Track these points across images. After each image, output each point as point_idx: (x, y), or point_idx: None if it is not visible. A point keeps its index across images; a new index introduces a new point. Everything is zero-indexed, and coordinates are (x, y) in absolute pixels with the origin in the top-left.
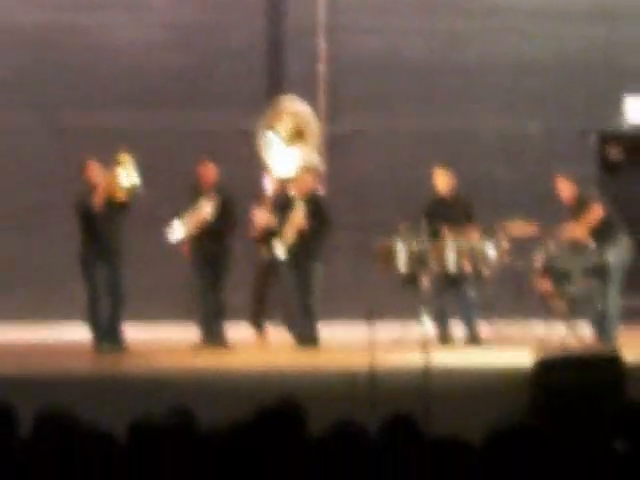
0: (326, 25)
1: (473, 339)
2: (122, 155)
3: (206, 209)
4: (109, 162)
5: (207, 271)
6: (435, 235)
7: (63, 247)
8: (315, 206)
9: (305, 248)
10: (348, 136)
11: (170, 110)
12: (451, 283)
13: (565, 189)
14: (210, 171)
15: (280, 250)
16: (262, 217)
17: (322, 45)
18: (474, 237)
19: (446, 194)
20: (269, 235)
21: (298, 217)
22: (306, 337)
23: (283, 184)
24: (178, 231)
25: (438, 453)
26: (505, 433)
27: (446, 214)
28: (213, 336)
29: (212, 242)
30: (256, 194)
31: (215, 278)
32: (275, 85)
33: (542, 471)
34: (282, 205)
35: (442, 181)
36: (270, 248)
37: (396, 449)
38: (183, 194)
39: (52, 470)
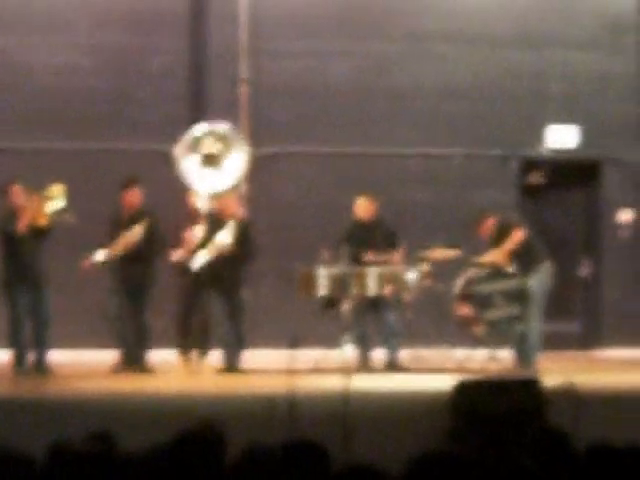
0: (248, 49)
1: (393, 364)
2: (54, 188)
3: (137, 232)
4: (31, 184)
5: (130, 294)
6: (356, 260)
7: None
8: (243, 231)
9: (232, 274)
10: (270, 159)
11: (92, 132)
12: (372, 308)
13: (484, 229)
14: (135, 196)
15: (198, 261)
16: (198, 233)
17: (244, 68)
18: (395, 262)
19: (367, 219)
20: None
21: (224, 238)
22: (232, 363)
23: (211, 203)
24: (100, 254)
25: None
26: (425, 460)
27: (367, 239)
28: (134, 359)
29: (138, 266)
30: (189, 213)
31: (138, 301)
32: (197, 108)
33: None
34: (212, 224)
35: (363, 210)
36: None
37: (303, 476)
38: (104, 217)
39: None
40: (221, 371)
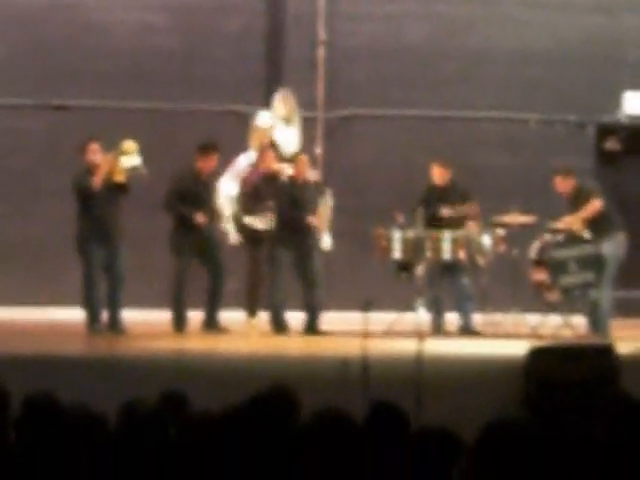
0: (326, 11)
1: (466, 329)
2: (127, 143)
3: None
4: (106, 141)
5: (201, 256)
6: (431, 224)
7: (59, 229)
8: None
9: (308, 237)
10: (346, 121)
11: (166, 91)
12: (446, 272)
13: (562, 185)
14: (213, 162)
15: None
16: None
17: (321, 31)
18: (471, 215)
19: (442, 184)
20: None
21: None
22: (310, 326)
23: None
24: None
25: (425, 444)
26: (496, 426)
27: (442, 202)
28: (210, 321)
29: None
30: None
31: (211, 263)
32: (274, 70)
33: (534, 468)
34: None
35: (438, 175)
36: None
37: (382, 438)
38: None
39: (41, 450)
40: (299, 333)
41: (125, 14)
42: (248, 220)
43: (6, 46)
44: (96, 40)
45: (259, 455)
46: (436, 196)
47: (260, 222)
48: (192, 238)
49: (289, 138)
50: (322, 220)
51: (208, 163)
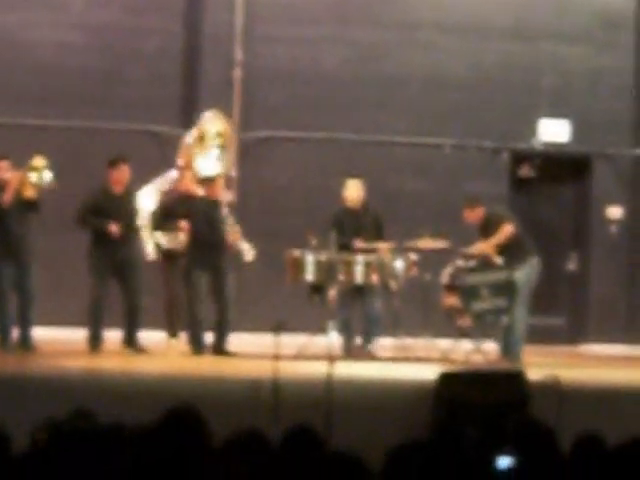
0: (243, 32)
1: (372, 352)
2: (36, 159)
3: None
4: (20, 160)
5: (119, 275)
6: (344, 247)
7: None
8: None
9: (220, 257)
10: (261, 143)
11: (83, 110)
12: (358, 295)
13: (470, 216)
14: (124, 173)
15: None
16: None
17: (239, 52)
18: (383, 250)
19: (356, 206)
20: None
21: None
22: (218, 346)
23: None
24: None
25: (337, 467)
26: (404, 450)
27: (355, 226)
28: (129, 340)
29: (127, 245)
30: (181, 196)
31: (129, 282)
32: (190, 90)
33: None
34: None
35: (353, 192)
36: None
37: (297, 460)
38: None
39: None
40: (208, 353)
41: (44, 32)
42: (157, 236)
43: None
44: (14, 56)
45: (167, 477)
46: (349, 220)
47: (168, 240)
48: (109, 256)
49: (213, 159)
50: (236, 235)
51: (118, 175)
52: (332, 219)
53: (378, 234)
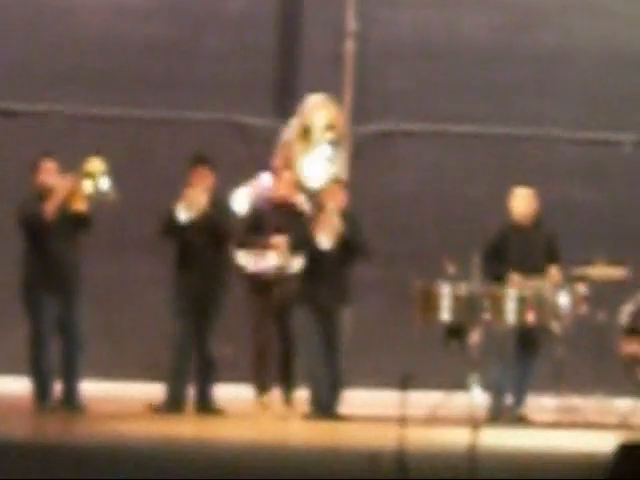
0: None
1: (526, 416)
2: (93, 162)
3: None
4: (69, 160)
5: (195, 315)
6: (498, 276)
7: None
8: (351, 225)
9: (335, 284)
10: (379, 138)
11: (144, 95)
12: (525, 340)
13: None
14: (207, 176)
15: (293, 267)
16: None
17: (350, 20)
18: (554, 279)
19: (525, 222)
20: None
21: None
22: (326, 407)
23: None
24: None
25: None
26: None
27: (523, 247)
28: (200, 398)
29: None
30: (277, 203)
31: (203, 324)
32: (287, 70)
33: None
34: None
35: (523, 206)
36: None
37: None
38: (160, 206)
39: None
40: (310, 417)
41: None
42: (240, 256)
43: None
44: (61, 28)
45: None
46: (515, 239)
47: (254, 261)
48: (194, 287)
49: (322, 159)
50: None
51: (198, 180)
52: (492, 238)
53: (551, 259)
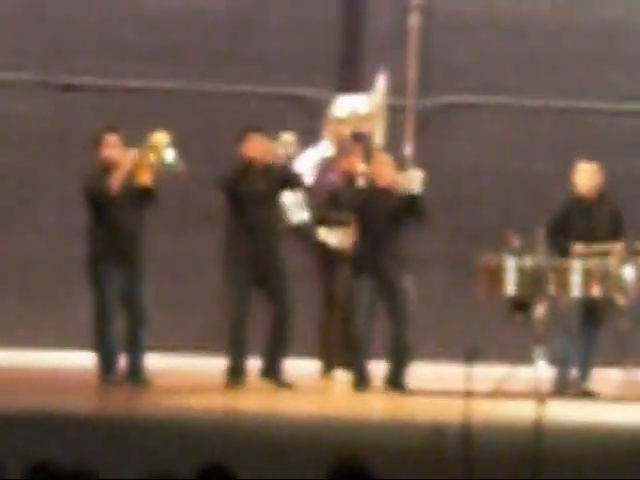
0: None
1: (591, 390)
2: (157, 135)
3: None
4: (133, 133)
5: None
6: (562, 251)
7: (62, 246)
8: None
9: (394, 255)
10: (445, 111)
11: (206, 69)
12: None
13: None
14: (258, 145)
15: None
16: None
17: None
18: (617, 254)
19: (590, 196)
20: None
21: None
22: (393, 380)
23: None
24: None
25: None
26: None
27: (584, 222)
28: (270, 372)
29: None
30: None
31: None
32: (349, 43)
33: None
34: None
35: (587, 180)
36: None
37: None
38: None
39: None
40: (376, 390)
41: None
42: (322, 234)
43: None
44: (117, 2)
45: None
46: (580, 213)
47: (337, 238)
48: (251, 259)
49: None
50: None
51: (251, 148)
52: (558, 211)
53: (615, 233)
